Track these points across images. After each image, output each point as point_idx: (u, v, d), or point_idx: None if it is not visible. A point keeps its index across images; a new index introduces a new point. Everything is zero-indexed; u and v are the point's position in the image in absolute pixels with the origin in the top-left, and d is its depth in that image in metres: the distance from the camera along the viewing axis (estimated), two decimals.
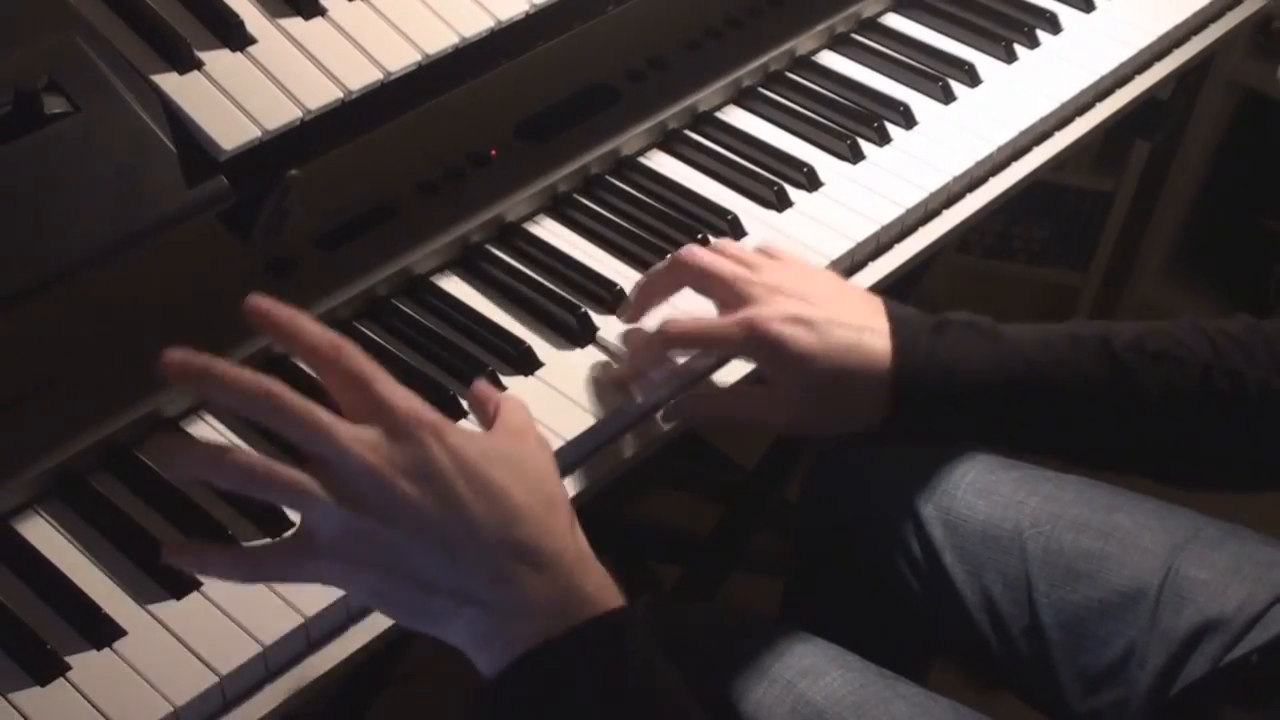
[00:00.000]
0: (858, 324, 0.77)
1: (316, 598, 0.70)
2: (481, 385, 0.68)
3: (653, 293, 0.83)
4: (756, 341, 0.76)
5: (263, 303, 0.61)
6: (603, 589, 0.61)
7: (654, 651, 0.62)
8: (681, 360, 0.83)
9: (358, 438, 0.58)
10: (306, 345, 0.61)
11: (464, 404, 0.80)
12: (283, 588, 0.70)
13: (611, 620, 0.60)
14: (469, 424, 0.79)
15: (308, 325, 0.61)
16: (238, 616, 0.70)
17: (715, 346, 0.81)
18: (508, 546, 0.59)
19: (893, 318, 0.77)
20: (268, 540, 0.61)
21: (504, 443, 0.62)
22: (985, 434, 0.82)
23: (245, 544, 0.71)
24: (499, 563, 0.59)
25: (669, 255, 0.82)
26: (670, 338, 0.80)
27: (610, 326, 0.86)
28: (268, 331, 0.61)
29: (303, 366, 0.81)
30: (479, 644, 0.59)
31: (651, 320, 0.83)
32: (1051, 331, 0.79)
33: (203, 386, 0.60)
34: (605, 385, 0.83)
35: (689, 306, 0.83)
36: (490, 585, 0.59)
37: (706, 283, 0.80)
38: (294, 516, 0.71)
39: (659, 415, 0.83)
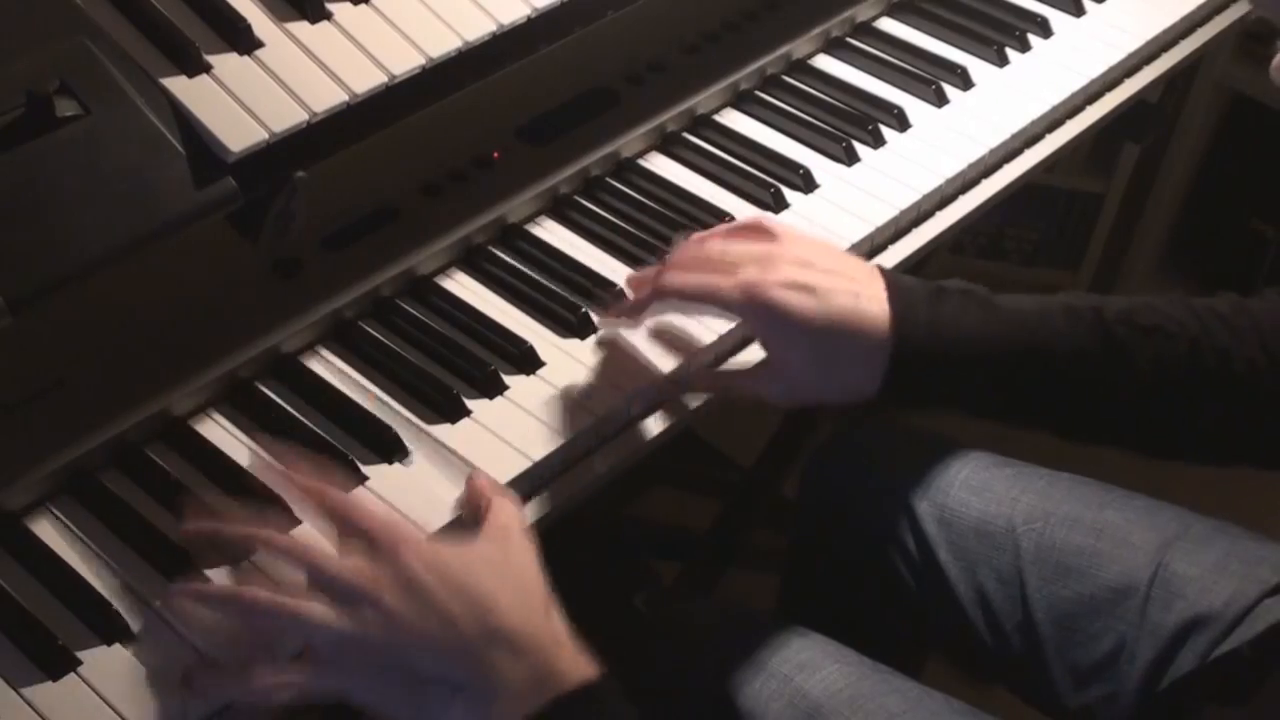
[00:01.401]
0: (856, 290, 0.77)
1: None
2: (478, 481, 0.74)
3: (635, 313, 0.84)
4: (756, 304, 0.77)
5: (264, 470, 0.74)
6: (578, 663, 0.66)
7: (626, 709, 0.66)
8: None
9: (344, 563, 0.67)
10: (295, 493, 0.72)
11: (466, 403, 0.81)
12: (283, 595, 0.72)
13: (585, 689, 0.65)
14: (469, 423, 0.80)
15: (295, 478, 0.72)
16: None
17: (714, 302, 0.80)
18: (485, 636, 0.65)
19: (890, 284, 0.78)
20: (279, 671, 0.67)
21: (481, 548, 0.69)
22: (978, 402, 0.82)
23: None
24: (478, 652, 0.64)
25: (660, 266, 0.82)
26: (672, 286, 0.80)
27: (611, 327, 0.86)
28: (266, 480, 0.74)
29: (311, 367, 0.83)
30: None
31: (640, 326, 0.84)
32: (1047, 302, 0.79)
33: (215, 539, 0.71)
34: (606, 384, 0.83)
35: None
36: (474, 674, 0.64)
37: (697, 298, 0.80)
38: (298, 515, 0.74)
39: (659, 389, 0.83)
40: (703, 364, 0.86)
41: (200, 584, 0.69)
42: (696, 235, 0.83)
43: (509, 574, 0.67)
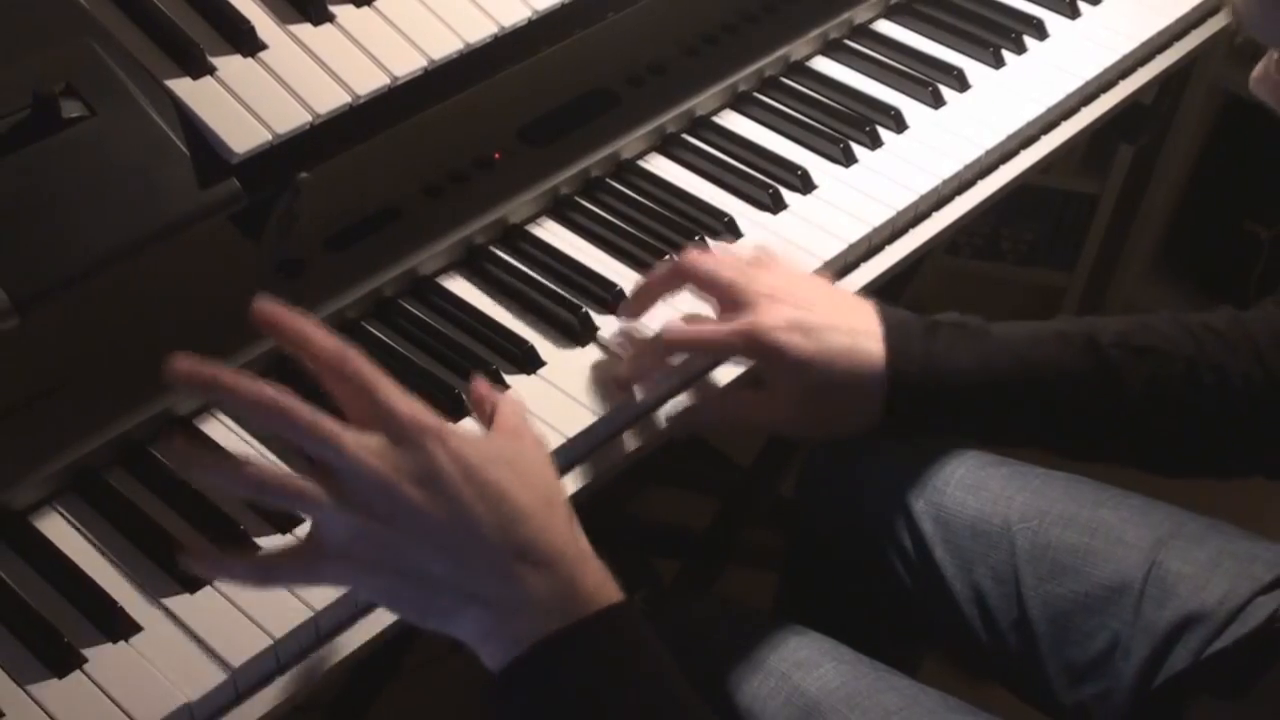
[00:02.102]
0: (852, 328, 0.78)
1: (325, 592, 0.71)
2: (480, 384, 0.70)
3: (652, 293, 0.84)
4: (755, 348, 0.78)
5: (270, 307, 0.62)
6: (602, 585, 0.62)
7: (652, 642, 0.63)
8: (678, 361, 0.84)
9: (363, 444, 0.60)
10: (312, 351, 0.62)
11: (467, 402, 0.81)
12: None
13: (611, 614, 0.62)
14: (471, 423, 0.80)
15: (314, 331, 0.62)
16: (249, 610, 0.71)
17: (714, 352, 0.82)
18: (509, 546, 0.60)
19: (885, 321, 0.79)
20: (280, 546, 0.63)
21: (504, 445, 0.64)
22: (977, 431, 0.84)
23: (260, 550, 0.72)
24: (501, 562, 0.60)
25: (671, 259, 0.83)
26: (670, 343, 0.81)
27: (610, 326, 0.87)
28: (274, 336, 0.63)
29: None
30: (485, 641, 0.61)
31: (650, 319, 0.84)
32: (1040, 329, 0.80)
33: (210, 394, 0.62)
34: (606, 384, 0.84)
35: (687, 307, 0.84)
36: (493, 584, 0.60)
37: (705, 287, 0.81)
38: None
39: (663, 419, 0.84)
40: (703, 365, 0.86)
41: (205, 450, 0.65)
42: (704, 258, 0.82)
43: (531, 478, 0.63)
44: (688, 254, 0.82)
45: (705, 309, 0.83)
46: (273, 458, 0.76)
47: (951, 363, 0.78)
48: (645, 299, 0.85)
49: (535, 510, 0.61)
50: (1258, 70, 0.61)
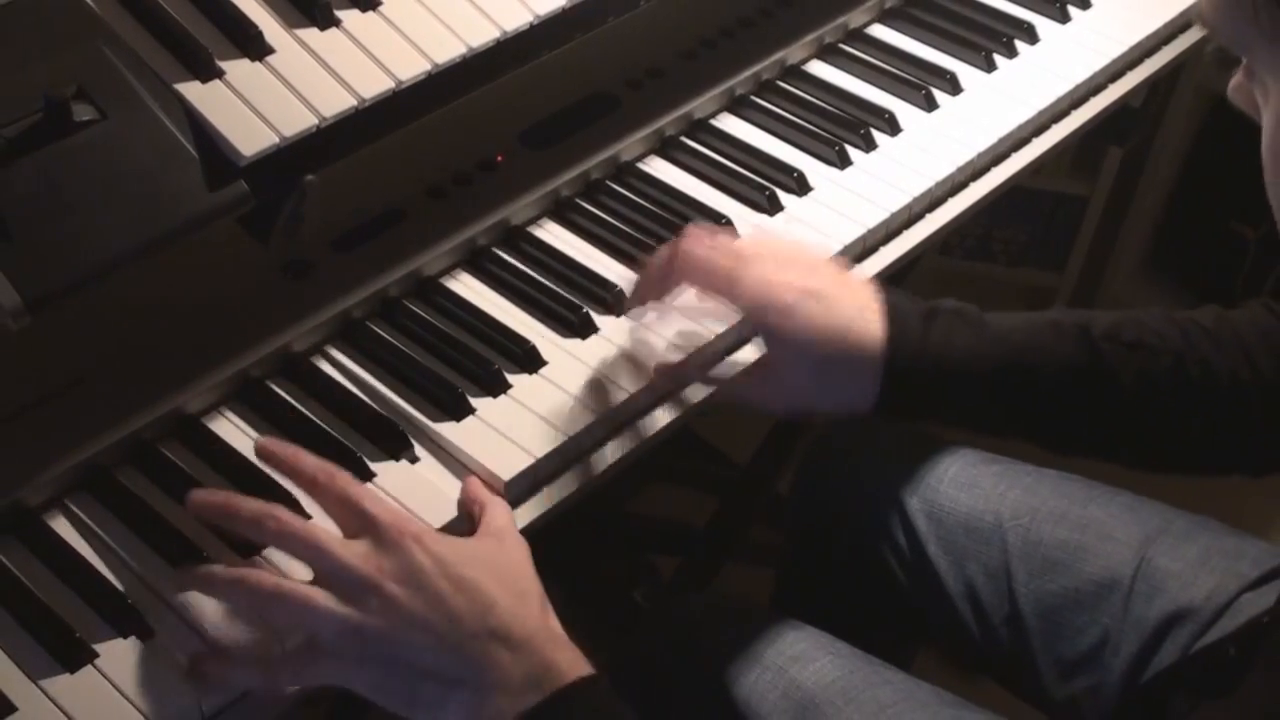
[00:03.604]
0: (857, 303, 0.79)
1: None
2: (472, 484, 0.76)
3: (656, 283, 0.84)
4: (768, 301, 0.78)
5: (269, 445, 0.72)
6: (573, 662, 0.67)
7: (622, 710, 0.67)
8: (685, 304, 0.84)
9: (350, 550, 0.67)
10: (305, 475, 0.71)
11: (471, 401, 0.82)
12: (298, 590, 0.73)
13: (581, 685, 0.66)
14: (474, 422, 0.81)
15: (305, 459, 0.71)
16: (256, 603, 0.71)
17: (727, 291, 0.80)
18: (486, 632, 0.65)
19: (887, 303, 0.80)
20: (287, 652, 0.68)
21: (480, 546, 0.70)
22: (968, 417, 0.85)
23: (269, 560, 0.74)
24: (479, 647, 0.65)
25: (670, 247, 0.82)
26: (686, 266, 0.80)
27: (610, 326, 0.88)
28: (273, 466, 0.73)
29: (320, 366, 0.84)
30: None
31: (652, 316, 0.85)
32: (1035, 319, 0.81)
33: (221, 520, 0.70)
34: (606, 383, 0.85)
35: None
36: (473, 668, 0.65)
37: (707, 277, 0.81)
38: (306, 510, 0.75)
39: (658, 380, 0.85)
40: (702, 362, 0.87)
41: (208, 568, 0.70)
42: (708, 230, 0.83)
43: (506, 572, 0.68)
44: (687, 246, 0.81)
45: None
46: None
47: (948, 348, 0.79)
48: (648, 288, 0.85)
49: (509, 600, 0.67)
50: (1234, 79, 0.61)
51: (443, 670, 0.65)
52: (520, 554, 0.71)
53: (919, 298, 0.83)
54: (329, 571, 0.67)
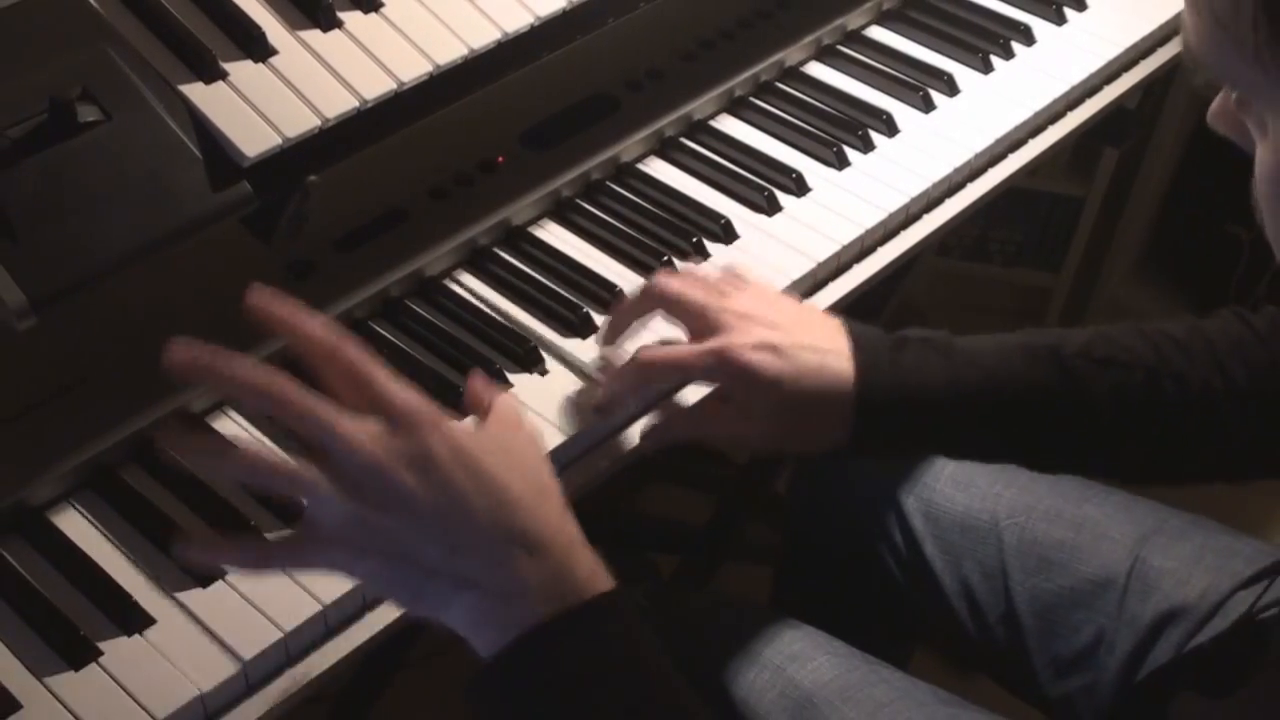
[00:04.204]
0: (820, 347, 0.78)
1: (334, 586, 0.73)
2: (476, 379, 0.69)
3: (626, 319, 0.84)
4: (727, 369, 0.78)
5: (264, 298, 0.62)
6: (594, 573, 0.62)
7: (642, 631, 0.63)
8: (655, 385, 0.84)
9: (358, 429, 0.59)
10: (307, 339, 0.62)
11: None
12: (302, 577, 0.73)
13: (602, 602, 0.61)
14: (474, 420, 0.82)
15: (308, 320, 0.62)
16: (260, 604, 0.72)
17: (687, 374, 0.81)
18: (502, 532, 0.60)
19: (854, 338, 0.79)
20: (279, 533, 0.63)
21: (498, 434, 0.64)
22: (944, 447, 0.85)
23: (262, 536, 0.73)
24: (494, 548, 0.60)
25: (642, 285, 0.83)
26: (643, 366, 0.80)
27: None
28: (269, 325, 0.62)
29: None
30: (477, 627, 0.61)
31: (628, 345, 0.84)
32: (1005, 343, 0.81)
33: (208, 380, 0.61)
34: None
35: (664, 332, 0.84)
36: (486, 570, 0.60)
37: (677, 309, 0.81)
38: None
39: (645, 429, 0.84)
40: (685, 409, 0.85)
41: (202, 435, 0.64)
42: (674, 281, 0.81)
43: (526, 465, 0.63)
44: (658, 277, 0.81)
45: (680, 336, 0.82)
46: (284, 456, 0.77)
47: (918, 378, 0.78)
48: (620, 325, 0.84)
49: (528, 497, 0.61)
50: (1215, 105, 0.61)
51: (452, 569, 0.60)
52: (535, 446, 0.65)
53: (911, 310, 0.83)
54: (336, 451, 0.59)
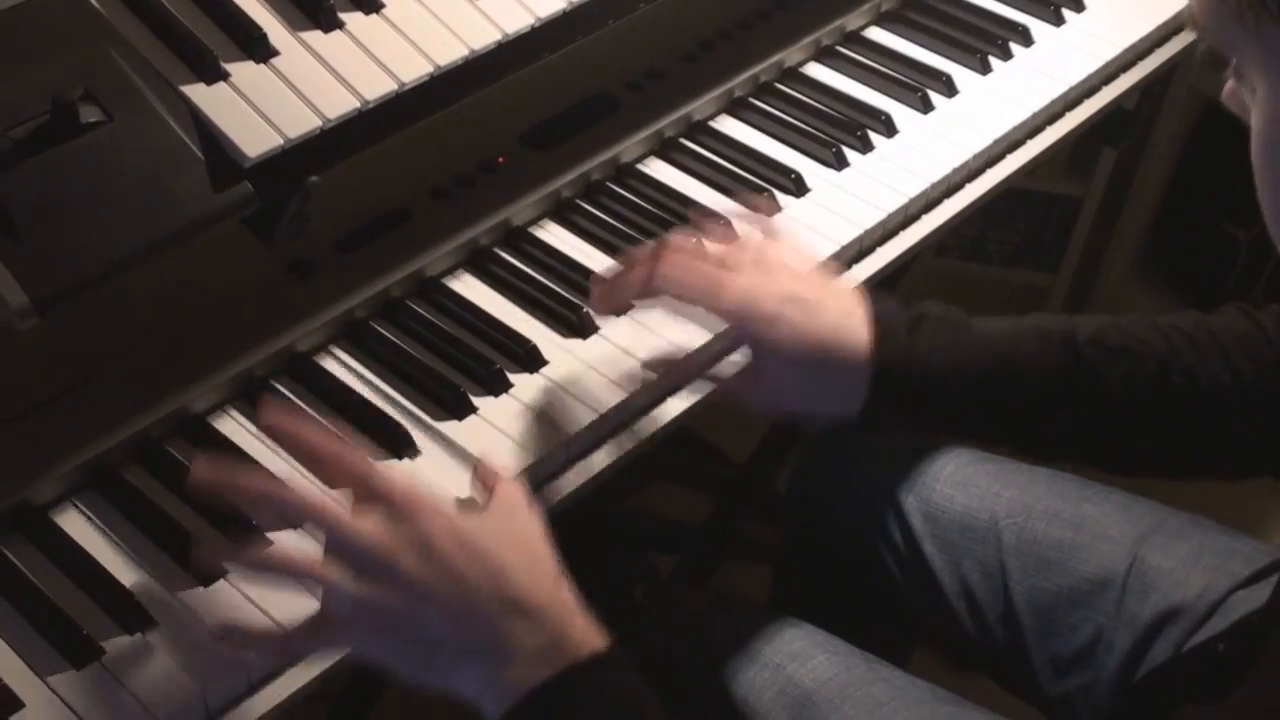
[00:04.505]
0: (842, 309, 0.79)
1: None
2: (485, 467, 0.74)
3: (627, 293, 0.82)
4: (751, 310, 0.78)
5: (275, 418, 0.70)
6: (587, 633, 0.66)
7: (636, 684, 0.67)
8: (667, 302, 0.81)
9: (363, 524, 0.65)
10: (313, 450, 0.69)
11: (472, 400, 0.83)
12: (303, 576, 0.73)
13: (597, 660, 0.65)
14: (476, 420, 0.82)
15: (313, 435, 0.69)
16: (262, 603, 0.73)
17: (709, 302, 0.79)
18: (499, 603, 0.65)
19: (872, 309, 0.80)
20: (301, 618, 0.68)
21: (494, 516, 0.68)
22: (954, 423, 0.85)
23: (272, 545, 0.74)
24: (492, 618, 0.64)
25: (649, 255, 0.80)
26: (670, 277, 0.79)
27: (611, 326, 0.89)
28: (281, 440, 0.71)
29: (324, 365, 0.85)
30: (483, 694, 0.65)
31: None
32: (1019, 325, 0.81)
33: (228, 495, 0.67)
34: (607, 382, 0.85)
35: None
36: (486, 638, 0.64)
37: (688, 291, 0.79)
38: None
39: (659, 416, 0.85)
40: (696, 363, 0.87)
41: (217, 550, 0.69)
42: (694, 236, 0.82)
43: (520, 544, 0.67)
44: (668, 250, 0.80)
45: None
46: (282, 457, 0.78)
47: (934, 354, 0.79)
48: (619, 297, 0.83)
49: (524, 570, 0.66)
50: (1228, 85, 0.62)
51: (456, 641, 0.64)
52: (533, 524, 0.69)
53: (905, 303, 0.82)
54: (341, 544, 0.65)
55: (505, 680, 0.64)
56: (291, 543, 0.74)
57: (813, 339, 0.78)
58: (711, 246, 0.81)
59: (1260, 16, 0.54)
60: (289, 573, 0.66)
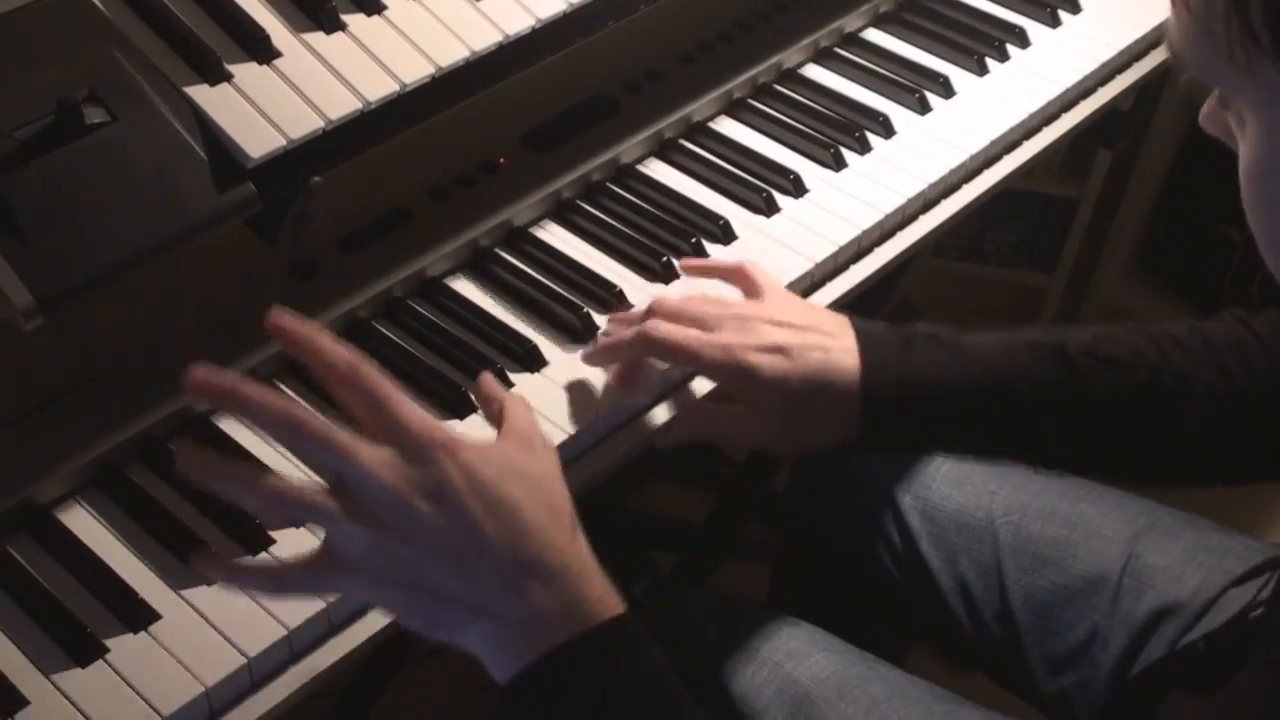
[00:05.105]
0: (828, 345, 0.79)
1: None
2: (487, 381, 0.71)
3: (614, 355, 0.83)
4: (731, 368, 0.78)
5: (284, 318, 0.63)
6: (604, 597, 0.64)
7: (653, 652, 0.65)
8: (663, 367, 0.84)
9: (375, 458, 0.60)
10: (325, 362, 0.63)
11: (473, 399, 0.82)
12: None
13: (613, 626, 0.63)
14: (477, 419, 0.82)
15: (326, 343, 0.62)
16: (265, 601, 0.73)
17: (691, 362, 0.81)
18: (516, 561, 0.61)
19: (860, 334, 0.80)
20: (294, 555, 0.64)
21: (514, 455, 0.64)
22: (950, 442, 0.85)
23: (274, 543, 0.74)
24: (508, 576, 0.61)
25: (636, 329, 0.80)
26: (651, 340, 0.80)
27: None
28: (287, 345, 0.64)
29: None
30: (492, 653, 0.63)
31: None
32: (1011, 340, 0.81)
33: (227, 405, 0.63)
34: (607, 382, 0.85)
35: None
36: (500, 597, 0.62)
37: (671, 355, 0.80)
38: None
39: (655, 421, 0.85)
40: (697, 404, 0.86)
41: (220, 459, 0.65)
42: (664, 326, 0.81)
43: (539, 486, 0.64)
44: (650, 325, 0.79)
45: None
46: (285, 456, 0.78)
47: (925, 375, 0.79)
48: (607, 358, 0.84)
49: (542, 524, 0.62)
50: (1205, 107, 0.61)
51: (467, 597, 0.61)
52: (549, 460, 0.66)
53: (906, 310, 0.83)
54: (352, 480, 0.60)
55: (517, 642, 0.62)
56: (294, 540, 0.74)
57: (798, 382, 0.78)
58: (692, 307, 0.81)
59: (1252, 53, 0.52)
60: (295, 506, 0.61)
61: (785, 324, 0.80)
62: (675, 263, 0.92)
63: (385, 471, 0.60)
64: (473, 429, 0.82)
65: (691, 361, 0.80)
